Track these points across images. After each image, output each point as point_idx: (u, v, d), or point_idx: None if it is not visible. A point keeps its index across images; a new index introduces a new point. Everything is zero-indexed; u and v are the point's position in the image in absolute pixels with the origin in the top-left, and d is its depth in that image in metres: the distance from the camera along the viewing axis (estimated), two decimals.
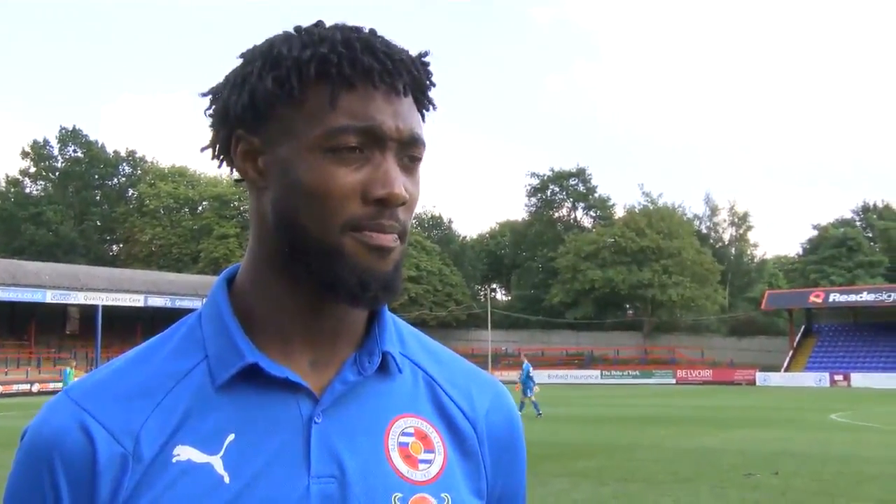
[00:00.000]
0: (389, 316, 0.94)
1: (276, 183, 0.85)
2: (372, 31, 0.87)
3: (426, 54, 0.90)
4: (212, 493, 0.80)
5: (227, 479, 0.81)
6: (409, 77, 0.86)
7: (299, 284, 0.86)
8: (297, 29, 0.87)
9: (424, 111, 0.90)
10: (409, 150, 0.86)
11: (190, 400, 0.84)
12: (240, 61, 0.88)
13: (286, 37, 0.86)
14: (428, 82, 0.89)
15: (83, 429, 0.82)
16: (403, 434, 0.88)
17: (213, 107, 0.90)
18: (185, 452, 0.81)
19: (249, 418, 0.84)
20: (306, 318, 0.87)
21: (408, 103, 0.86)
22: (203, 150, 0.92)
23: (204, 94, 0.91)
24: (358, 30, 0.87)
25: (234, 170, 0.89)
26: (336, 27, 0.86)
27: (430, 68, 0.90)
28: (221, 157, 0.90)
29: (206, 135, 0.91)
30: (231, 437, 0.82)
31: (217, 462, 0.81)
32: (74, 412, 0.83)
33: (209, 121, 0.91)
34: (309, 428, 0.84)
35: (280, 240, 0.85)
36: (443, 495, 0.86)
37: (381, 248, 0.83)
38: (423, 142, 0.87)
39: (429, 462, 0.88)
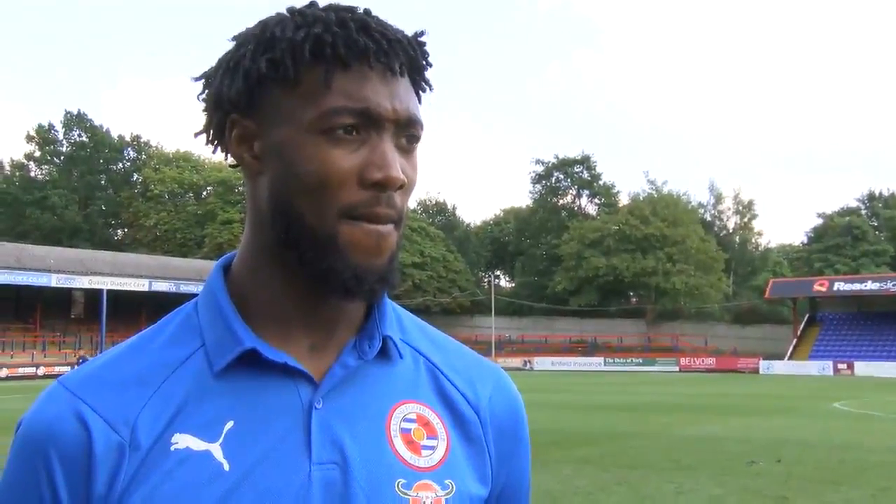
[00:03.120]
0: (389, 302, 0.92)
1: (271, 167, 0.83)
2: (367, 11, 0.86)
3: (422, 34, 0.88)
4: (212, 481, 0.78)
5: (226, 467, 0.79)
6: (405, 57, 0.84)
7: (295, 273, 0.84)
8: (291, 10, 0.85)
9: (421, 92, 0.88)
10: (407, 130, 0.84)
11: (187, 387, 0.83)
12: (232, 44, 0.87)
13: (279, 18, 0.85)
14: (424, 62, 0.88)
15: (79, 418, 0.80)
16: (405, 420, 0.87)
17: (206, 91, 0.88)
18: (183, 440, 0.80)
19: (248, 405, 0.82)
20: (304, 305, 0.86)
21: (404, 84, 0.84)
22: (197, 135, 0.90)
23: (196, 79, 0.90)
24: (352, 10, 0.85)
25: (230, 155, 0.87)
26: (330, 7, 0.85)
27: (427, 48, 0.88)
28: (216, 141, 0.88)
29: (202, 119, 0.90)
30: (230, 423, 0.81)
31: (216, 449, 0.80)
32: (70, 401, 0.82)
33: (202, 105, 0.90)
34: (309, 413, 0.82)
35: (275, 227, 0.83)
36: (446, 481, 0.85)
37: (376, 242, 0.82)
38: (421, 122, 0.85)
39: (432, 448, 0.86)
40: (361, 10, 0.85)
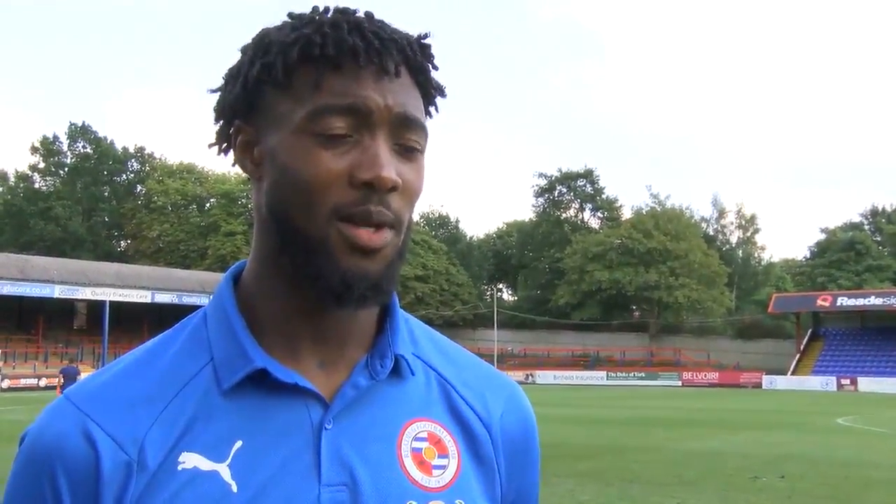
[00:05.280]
0: (402, 315, 0.90)
1: (268, 172, 0.82)
2: (368, 14, 0.84)
3: (426, 36, 0.86)
4: (220, 503, 0.77)
5: (234, 488, 0.77)
6: (401, 56, 0.81)
7: (295, 282, 0.82)
8: (291, 15, 0.85)
9: (433, 98, 0.86)
10: (404, 133, 0.81)
11: (196, 405, 0.81)
12: (240, 55, 0.87)
13: (280, 25, 0.84)
14: (427, 63, 0.85)
15: (86, 436, 0.78)
16: (417, 439, 0.85)
17: (216, 103, 0.89)
18: (190, 460, 0.78)
19: (257, 424, 0.80)
20: (312, 317, 0.83)
21: (401, 84, 0.81)
22: (210, 146, 0.90)
23: (213, 91, 0.89)
24: (350, 12, 0.83)
25: (236, 163, 0.87)
26: (327, 10, 0.84)
27: (431, 50, 0.85)
28: (228, 150, 0.88)
29: (212, 131, 0.90)
30: (239, 444, 0.79)
31: (224, 470, 0.78)
32: (77, 418, 0.80)
33: (213, 117, 0.89)
34: (319, 434, 0.81)
35: (272, 233, 0.82)
36: (457, 502, 0.84)
37: (367, 248, 0.79)
38: (422, 126, 0.82)
39: (443, 468, 0.85)
40: (361, 13, 0.83)
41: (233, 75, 0.86)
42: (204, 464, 0.78)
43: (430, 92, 0.85)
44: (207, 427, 0.80)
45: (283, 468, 0.79)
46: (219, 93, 0.89)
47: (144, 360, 0.85)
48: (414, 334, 0.92)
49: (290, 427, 0.81)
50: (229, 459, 0.78)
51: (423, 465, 0.84)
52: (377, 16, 0.85)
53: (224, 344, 0.83)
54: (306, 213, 0.79)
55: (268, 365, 0.81)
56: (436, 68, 0.86)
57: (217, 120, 0.88)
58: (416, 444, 0.85)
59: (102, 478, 0.77)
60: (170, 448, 0.79)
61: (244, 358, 0.81)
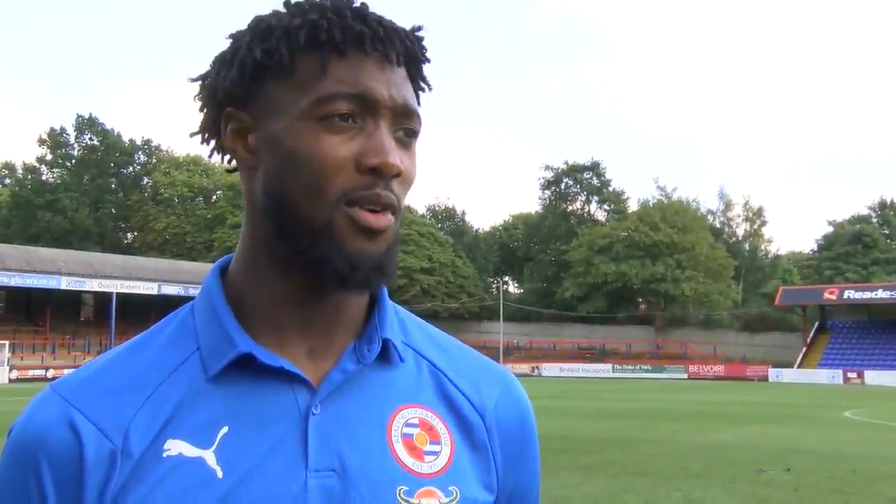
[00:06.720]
0: (391, 304, 0.90)
1: (267, 159, 0.81)
2: (364, 4, 0.84)
3: (420, 28, 0.87)
4: (204, 489, 0.76)
5: (220, 474, 0.77)
6: (402, 47, 0.83)
7: (291, 269, 0.82)
8: (286, 4, 0.84)
9: (419, 91, 0.87)
10: (404, 121, 0.82)
11: (181, 392, 0.80)
12: (229, 42, 0.85)
13: (276, 11, 0.84)
14: (422, 56, 0.86)
15: (70, 425, 0.78)
16: (407, 425, 0.84)
17: (202, 89, 0.87)
18: (176, 447, 0.78)
19: (244, 410, 0.80)
20: (301, 306, 0.83)
21: (401, 74, 0.83)
22: (192, 135, 0.88)
23: (194, 79, 0.88)
24: (348, 1, 0.84)
25: (225, 152, 0.86)
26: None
27: (424, 43, 0.86)
28: (211, 139, 0.87)
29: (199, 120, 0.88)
30: (224, 429, 0.79)
31: (210, 456, 0.78)
32: (61, 408, 0.80)
33: (198, 105, 0.88)
34: (306, 420, 0.80)
35: (270, 220, 0.81)
36: (450, 488, 0.82)
37: (372, 229, 0.79)
38: (419, 115, 0.84)
39: (435, 454, 0.83)
40: (358, 3, 0.84)
41: (224, 62, 0.84)
42: (189, 450, 0.78)
43: (419, 84, 0.86)
44: (193, 413, 0.79)
45: (270, 453, 0.78)
46: (201, 80, 0.88)
47: (132, 350, 0.85)
48: (405, 324, 0.92)
49: (276, 412, 0.80)
50: (215, 445, 0.78)
51: (414, 450, 0.83)
52: (381, 7, 0.86)
53: (211, 332, 0.83)
54: (313, 198, 0.78)
55: (253, 349, 0.80)
56: (428, 61, 0.87)
57: (203, 108, 0.87)
58: (407, 430, 0.83)
59: (86, 466, 0.77)
60: (155, 435, 0.78)
61: (230, 344, 0.81)
